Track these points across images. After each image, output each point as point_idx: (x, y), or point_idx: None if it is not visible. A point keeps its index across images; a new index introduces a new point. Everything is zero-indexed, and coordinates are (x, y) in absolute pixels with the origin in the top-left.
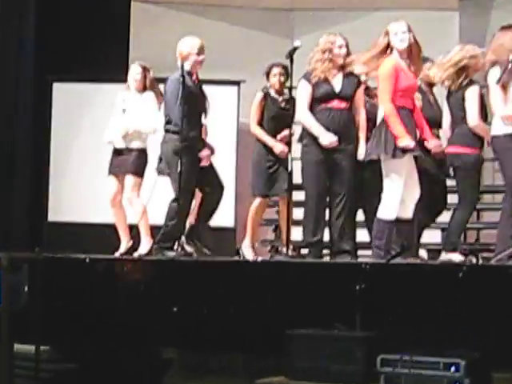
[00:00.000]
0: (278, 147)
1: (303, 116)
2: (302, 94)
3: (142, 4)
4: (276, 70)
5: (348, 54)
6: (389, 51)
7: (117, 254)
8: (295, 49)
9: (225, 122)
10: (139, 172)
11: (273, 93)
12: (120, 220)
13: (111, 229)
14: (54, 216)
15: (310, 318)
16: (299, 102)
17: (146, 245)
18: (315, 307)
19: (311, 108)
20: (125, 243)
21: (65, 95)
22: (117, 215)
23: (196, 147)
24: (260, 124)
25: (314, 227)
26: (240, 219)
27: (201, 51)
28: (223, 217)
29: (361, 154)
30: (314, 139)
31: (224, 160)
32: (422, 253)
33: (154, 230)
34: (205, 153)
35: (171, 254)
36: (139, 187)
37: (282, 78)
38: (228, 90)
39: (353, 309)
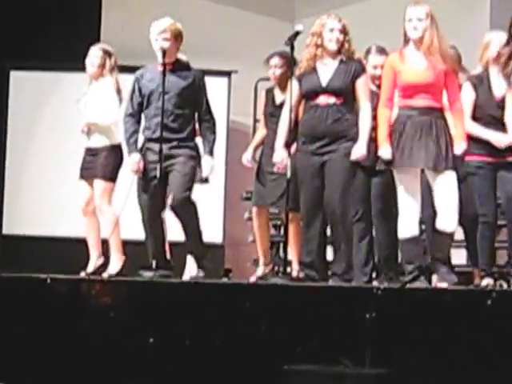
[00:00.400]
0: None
1: (280, 121)
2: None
3: None
4: (272, 62)
5: (345, 39)
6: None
7: (83, 274)
8: (297, 34)
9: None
10: (108, 175)
11: (275, 87)
12: (91, 232)
13: (77, 243)
14: (9, 228)
15: (312, 351)
16: (282, 100)
17: (116, 263)
18: (318, 339)
19: (302, 106)
20: (94, 260)
21: (24, 85)
22: (88, 226)
23: None
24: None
25: (306, 244)
26: (229, 235)
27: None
28: (210, 232)
29: (353, 154)
30: (303, 143)
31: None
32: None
33: (126, 245)
34: None
35: (148, 274)
36: (110, 193)
37: (278, 71)
38: (217, 81)
39: (362, 341)
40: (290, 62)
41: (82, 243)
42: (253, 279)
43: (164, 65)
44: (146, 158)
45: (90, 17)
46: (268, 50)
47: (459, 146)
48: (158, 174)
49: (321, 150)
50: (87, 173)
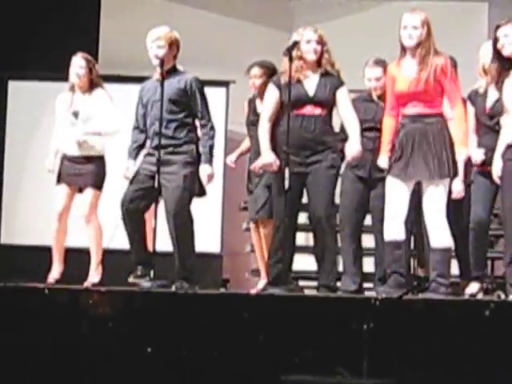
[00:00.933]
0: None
1: (259, 128)
2: (266, 99)
3: None
4: (252, 72)
5: (323, 49)
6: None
7: (52, 280)
8: (295, 44)
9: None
10: (99, 184)
11: (256, 97)
12: (62, 239)
13: (75, 253)
14: (7, 238)
15: (309, 361)
16: (262, 109)
17: (96, 273)
18: (315, 349)
19: (281, 114)
20: (59, 269)
21: (22, 95)
22: (61, 232)
23: None
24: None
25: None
26: (227, 245)
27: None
28: (208, 241)
29: (349, 152)
30: (285, 152)
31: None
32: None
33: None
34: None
35: (146, 284)
36: (98, 203)
37: (258, 81)
38: (214, 91)
39: (359, 352)
40: (270, 71)
41: (80, 253)
42: (254, 291)
43: (162, 73)
44: (143, 165)
45: (89, 27)
46: (267, 59)
47: (459, 153)
48: (156, 185)
49: (305, 159)
50: (75, 180)
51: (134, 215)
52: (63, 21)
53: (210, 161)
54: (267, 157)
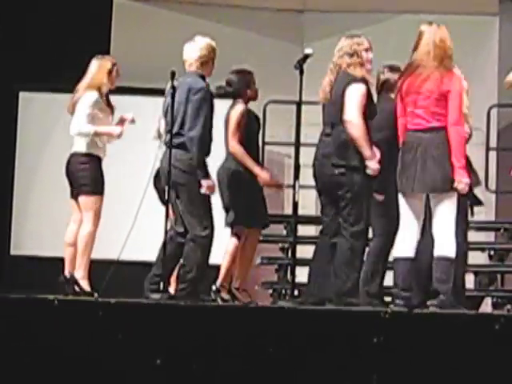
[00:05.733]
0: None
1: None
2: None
3: (127, 1)
4: None
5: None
6: None
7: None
8: (306, 57)
9: (220, 142)
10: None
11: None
12: None
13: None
14: (17, 249)
15: (318, 376)
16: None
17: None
18: (323, 364)
19: None
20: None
21: (32, 107)
22: None
23: None
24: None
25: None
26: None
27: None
28: (217, 253)
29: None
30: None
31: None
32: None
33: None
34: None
35: (156, 296)
36: None
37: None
38: (225, 103)
39: (369, 365)
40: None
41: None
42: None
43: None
44: None
45: (100, 39)
46: (277, 72)
47: (458, 179)
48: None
49: None
50: None
51: None
52: (74, 32)
53: (197, 172)
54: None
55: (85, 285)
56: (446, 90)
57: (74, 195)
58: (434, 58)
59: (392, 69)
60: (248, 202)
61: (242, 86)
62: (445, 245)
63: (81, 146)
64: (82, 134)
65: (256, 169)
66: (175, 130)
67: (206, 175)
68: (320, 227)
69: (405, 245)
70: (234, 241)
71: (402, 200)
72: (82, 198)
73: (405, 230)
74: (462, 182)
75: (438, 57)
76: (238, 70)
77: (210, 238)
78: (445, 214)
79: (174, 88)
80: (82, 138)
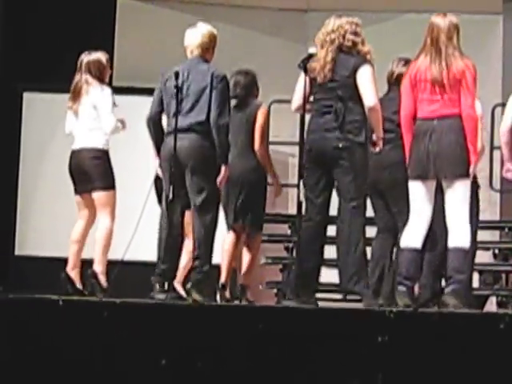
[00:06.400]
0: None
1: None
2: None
3: (130, 1)
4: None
5: None
6: None
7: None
8: (310, 56)
9: None
10: None
11: None
12: None
13: (90, 264)
14: (21, 249)
15: (322, 376)
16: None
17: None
18: (329, 363)
19: None
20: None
21: (36, 107)
22: None
23: None
24: None
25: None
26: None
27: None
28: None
29: None
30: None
31: None
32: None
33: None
34: None
35: (161, 296)
36: None
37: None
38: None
39: (374, 364)
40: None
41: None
42: None
43: None
44: None
45: (104, 39)
46: (281, 72)
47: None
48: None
49: None
50: None
51: None
52: (77, 32)
53: None
54: None
55: (103, 280)
56: (461, 76)
57: (83, 191)
58: (448, 45)
59: (407, 62)
60: (264, 203)
61: (253, 86)
62: (460, 235)
63: (97, 142)
64: (115, 131)
65: (275, 176)
66: (199, 117)
67: (226, 163)
68: None
69: (412, 235)
70: (231, 237)
71: (413, 188)
72: (98, 194)
73: (414, 218)
74: (476, 166)
75: (453, 43)
76: (243, 70)
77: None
78: (459, 202)
79: (177, 88)
80: (105, 134)
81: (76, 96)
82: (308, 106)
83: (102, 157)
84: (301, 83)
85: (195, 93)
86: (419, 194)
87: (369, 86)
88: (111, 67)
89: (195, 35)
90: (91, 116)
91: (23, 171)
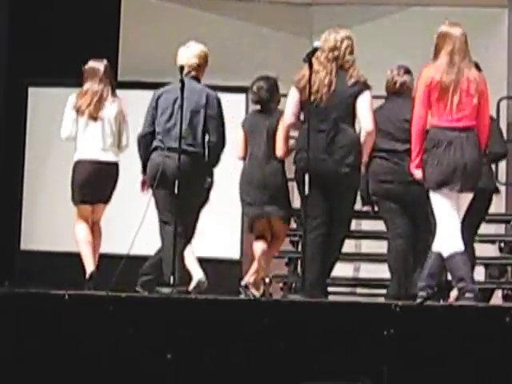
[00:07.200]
0: None
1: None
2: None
3: None
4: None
5: None
6: None
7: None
8: (315, 50)
9: (229, 137)
10: None
11: None
12: None
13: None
14: (27, 244)
15: (329, 368)
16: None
17: None
18: (335, 356)
19: None
20: None
21: (41, 102)
22: None
23: None
24: None
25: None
26: (247, 251)
27: None
28: (227, 247)
29: None
30: None
31: (228, 182)
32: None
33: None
34: None
35: (166, 290)
36: None
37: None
38: (234, 98)
39: (380, 358)
40: (271, 87)
41: (101, 259)
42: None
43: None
44: None
45: (109, 34)
46: (286, 66)
47: None
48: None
49: None
50: None
51: None
52: (83, 28)
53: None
54: None
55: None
56: (481, 92)
57: (97, 201)
58: (465, 55)
59: (408, 71)
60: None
61: (275, 91)
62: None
63: (115, 156)
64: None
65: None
66: (193, 139)
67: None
68: None
69: (454, 239)
70: (261, 245)
71: (438, 197)
72: (102, 207)
73: (449, 224)
74: None
75: (468, 54)
76: (265, 76)
77: None
78: (462, 212)
79: (182, 82)
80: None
81: (97, 105)
82: (298, 123)
83: (117, 172)
84: (292, 97)
85: (189, 112)
86: (445, 201)
87: (368, 112)
88: (116, 61)
89: (188, 55)
90: (113, 129)
91: (29, 166)
